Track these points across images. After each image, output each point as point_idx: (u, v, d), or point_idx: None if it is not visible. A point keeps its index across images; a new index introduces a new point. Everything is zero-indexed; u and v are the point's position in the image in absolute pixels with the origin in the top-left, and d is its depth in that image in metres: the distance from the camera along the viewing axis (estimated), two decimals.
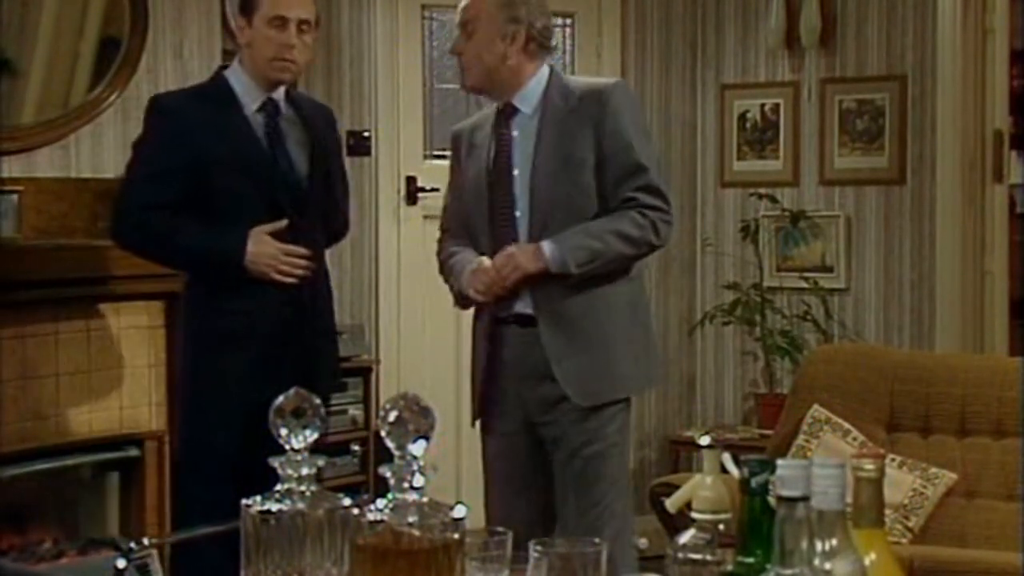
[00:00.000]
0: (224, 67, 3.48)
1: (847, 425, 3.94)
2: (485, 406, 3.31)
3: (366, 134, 5.02)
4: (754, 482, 1.36)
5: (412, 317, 5.19)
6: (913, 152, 5.10)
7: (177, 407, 3.52)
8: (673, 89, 5.46)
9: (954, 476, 3.82)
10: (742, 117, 5.42)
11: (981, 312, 5.14)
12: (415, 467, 1.38)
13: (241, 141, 3.29)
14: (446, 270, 3.34)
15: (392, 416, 1.37)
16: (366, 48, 5.02)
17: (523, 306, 3.21)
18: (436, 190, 5.17)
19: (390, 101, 5.10)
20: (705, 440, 1.49)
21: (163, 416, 3.93)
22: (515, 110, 3.23)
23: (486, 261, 3.17)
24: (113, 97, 4.03)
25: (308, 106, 3.50)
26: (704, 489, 1.48)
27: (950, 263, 5.02)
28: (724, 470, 1.54)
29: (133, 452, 3.87)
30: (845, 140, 5.23)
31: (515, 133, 3.22)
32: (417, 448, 1.37)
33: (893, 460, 3.85)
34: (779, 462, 1.29)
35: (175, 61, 4.22)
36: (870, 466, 1.38)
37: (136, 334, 3.87)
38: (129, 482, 3.90)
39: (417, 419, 1.38)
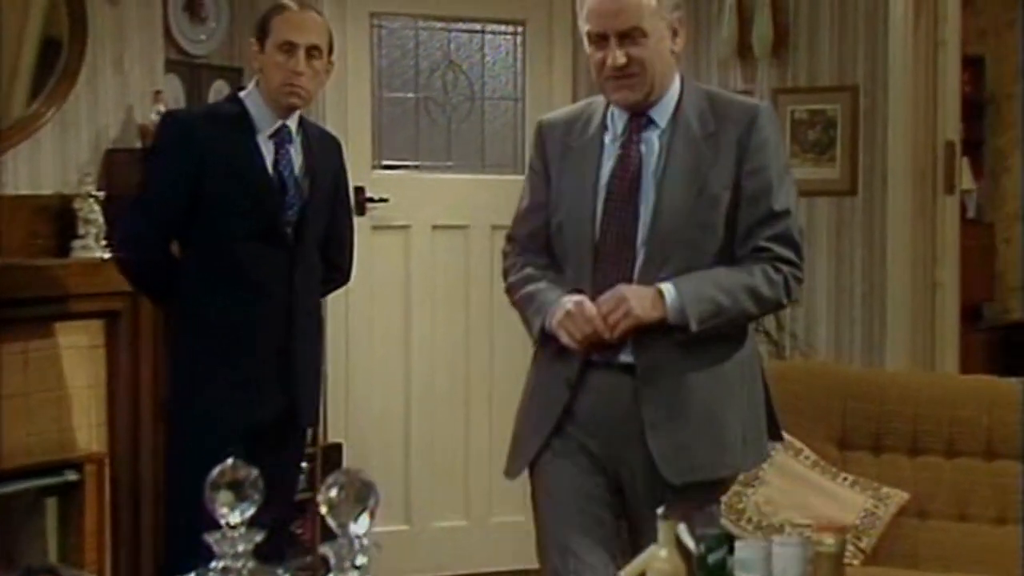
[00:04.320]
0: (240, 88, 3.47)
1: (799, 444, 3.91)
2: (539, 454, 2.74)
3: None
4: (711, 559, 1.31)
5: (360, 330, 5.11)
6: (864, 163, 5.08)
7: (164, 423, 3.52)
8: None
9: (906, 495, 3.80)
10: None
11: (932, 323, 5.14)
12: (357, 546, 1.31)
13: (248, 164, 3.28)
14: (520, 298, 2.80)
15: (333, 492, 1.30)
16: None
17: (622, 354, 2.68)
18: (385, 200, 5.11)
19: (338, 111, 5.01)
20: (660, 511, 1.44)
21: (103, 438, 3.85)
22: (650, 121, 2.69)
23: (587, 303, 2.62)
24: (51, 112, 3.92)
25: (316, 136, 3.50)
26: (659, 561, 1.43)
27: (901, 275, 5.01)
28: (680, 542, 1.49)
29: (72, 476, 3.77)
30: (797, 151, 5.19)
31: (643, 148, 2.68)
32: (360, 526, 1.31)
33: (845, 479, 3.83)
34: (737, 544, 1.24)
35: (115, 75, 4.11)
36: (830, 541, 1.34)
37: (75, 354, 3.78)
38: (68, 507, 3.80)
39: (360, 494, 1.31)
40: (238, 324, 3.26)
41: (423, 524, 5.20)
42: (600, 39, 2.62)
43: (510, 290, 2.83)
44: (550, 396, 2.73)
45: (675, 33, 2.68)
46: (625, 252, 2.65)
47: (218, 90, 4.67)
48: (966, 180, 6.82)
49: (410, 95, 5.22)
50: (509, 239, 2.89)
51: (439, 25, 5.24)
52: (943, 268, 5.15)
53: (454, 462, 5.25)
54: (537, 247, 2.80)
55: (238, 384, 3.24)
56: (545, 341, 2.71)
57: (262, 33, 3.32)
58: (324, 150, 3.49)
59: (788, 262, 2.68)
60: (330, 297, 5.02)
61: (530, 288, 2.75)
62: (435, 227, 5.22)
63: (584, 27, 2.65)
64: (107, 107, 4.09)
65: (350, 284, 5.00)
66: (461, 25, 5.26)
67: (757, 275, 2.66)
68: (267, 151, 3.31)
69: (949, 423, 3.85)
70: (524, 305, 2.77)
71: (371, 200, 5.10)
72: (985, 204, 7.96)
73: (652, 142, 2.67)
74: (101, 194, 3.94)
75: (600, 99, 2.76)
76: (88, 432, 3.81)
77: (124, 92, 4.11)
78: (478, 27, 5.28)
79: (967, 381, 4.07)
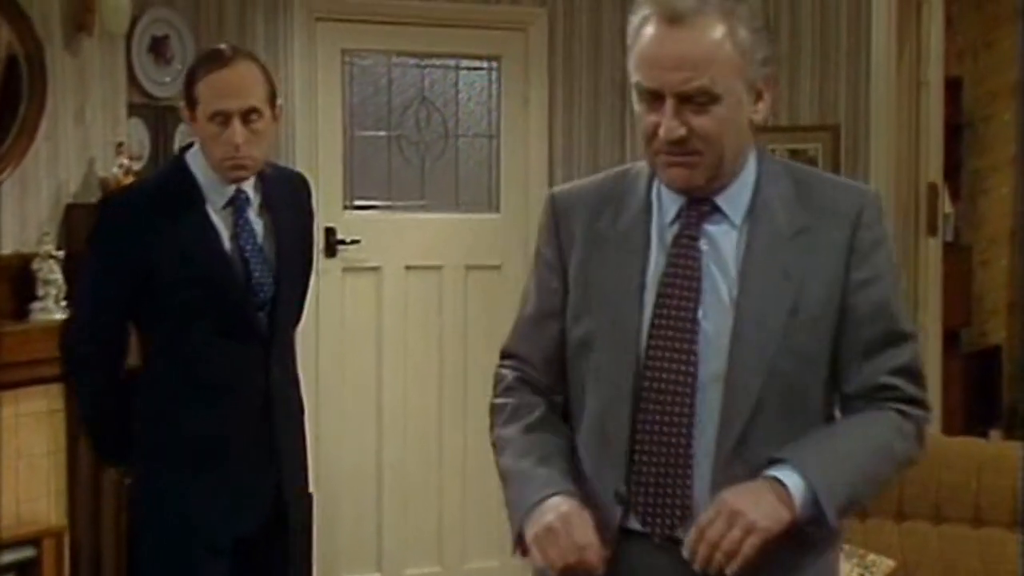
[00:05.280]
0: (188, 146, 2.98)
1: None
2: None
3: None
4: None
5: (331, 374, 4.99)
6: None
7: (132, 530, 3.12)
8: (601, 133, 5.30)
9: (892, 563, 3.71)
10: None
11: None
12: None
13: (204, 253, 2.87)
14: (501, 468, 2.05)
15: None
16: (283, 93, 4.77)
17: (680, 530, 1.92)
18: (357, 242, 4.99)
19: (308, 149, 4.89)
20: None
21: (62, 508, 3.70)
22: (715, 210, 1.95)
23: (577, 516, 1.87)
24: (9, 170, 3.78)
25: (278, 184, 3.04)
26: None
27: None
28: None
29: (29, 553, 3.62)
30: None
31: (703, 247, 1.94)
32: None
33: None
34: None
35: (76, 127, 3.97)
36: None
37: (33, 421, 3.64)
38: None
39: None
40: (210, 433, 2.92)
41: (395, 571, 5.09)
42: (653, 98, 1.88)
43: (495, 445, 2.09)
44: None
45: (759, 96, 1.92)
46: (683, 388, 1.91)
47: (184, 133, 4.53)
48: (945, 204, 6.76)
49: (382, 133, 5.10)
50: (506, 356, 2.12)
51: (412, 61, 5.12)
52: (926, 311, 5.08)
53: (427, 507, 5.15)
54: (546, 368, 2.06)
55: (215, 496, 2.91)
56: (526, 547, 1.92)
57: (189, 100, 2.87)
58: (288, 197, 3.06)
59: (918, 403, 1.98)
60: (299, 340, 4.90)
61: (517, 465, 2.00)
62: (408, 268, 5.11)
63: (633, 76, 1.90)
64: (68, 161, 3.96)
65: (320, 327, 4.92)
66: (435, 61, 5.14)
67: (886, 428, 1.95)
68: (224, 225, 2.90)
69: (936, 487, 3.75)
70: (504, 480, 2.03)
71: (342, 242, 4.98)
72: (963, 227, 7.89)
73: (720, 240, 1.94)
74: (61, 253, 3.81)
75: (637, 167, 2.04)
76: (47, 502, 3.67)
77: (85, 144, 3.98)
78: (452, 63, 5.17)
79: (954, 444, 3.97)
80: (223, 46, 2.97)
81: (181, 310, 2.89)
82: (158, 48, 4.47)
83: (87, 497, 3.76)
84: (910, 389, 1.97)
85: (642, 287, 1.95)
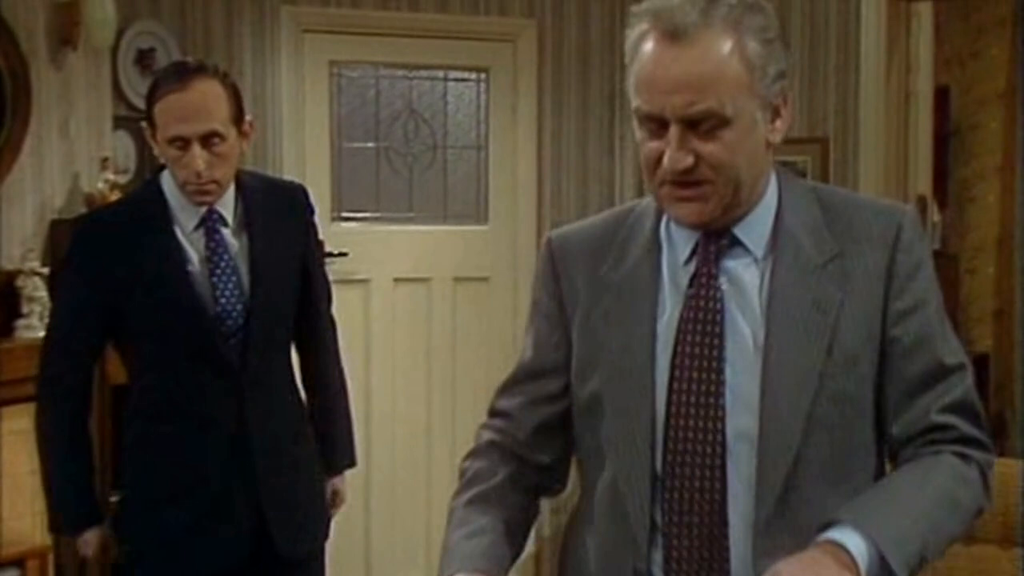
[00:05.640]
0: (164, 166, 2.81)
1: None
2: None
3: None
4: None
5: None
6: None
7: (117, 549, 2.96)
8: (590, 145, 5.28)
9: None
10: None
11: None
12: None
13: (172, 274, 2.75)
14: (444, 538, 1.82)
15: None
16: (271, 105, 4.78)
17: None
18: (344, 254, 4.96)
19: (296, 161, 4.87)
20: None
21: (46, 528, 3.65)
22: (734, 243, 1.75)
23: None
24: None
25: (267, 198, 2.87)
26: None
27: None
28: None
29: (13, 573, 3.58)
30: None
31: (724, 286, 1.74)
32: None
33: None
34: None
35: (61, 141, 3.93)
36: None
37: (18, 439, 3.58)
38: None
39: None
40: (187, 461, 2.82)
41: None
42: (655, 123, 1.67)
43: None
44: None
45: (776, 113, 1.71)
46: (711, 450, 1.69)
47: None
48: (933, 213, 6.76)
49: (370, 145, 5.08)
50: (491, 413, 1.92)
51: (400, 73, 5.10)
52: None
53: (415, 518, 5.13)
54: (535, 430, 1.86)
55: (192, 524, 2.82)
56: None
57: (150, 121, 2.73)
58: (281, 212, 2.88)
59: (977, 443, 1.75)
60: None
61: (448, 537, 1.80)
62: (396, 280, 5.08)
63: (632, 100, 1.70)
64: (52, 176, 3.91)
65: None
66: (423, 73, 5.12)
67: (947, 476, 1.70)
68: (195, 249, 2.77)
69: None
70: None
71: (330, 254, 4.94)
72: (949, 235, 7.89)
73: (742, 277, 1.73)
74: (45, 270, 3.77)
75: (643, 204, 1.84)
76: (31, 521, 3.63)
77: (70, 159, 3.93)
78: (440, 75, 5.15)
79: None
80: (186, 60, 2.85)
81: (153, 334, 2.80)
82: (144, 60, 4.44)
83: None
84: (966, 427, 1.74)
85: (653, 337, 1.73)
